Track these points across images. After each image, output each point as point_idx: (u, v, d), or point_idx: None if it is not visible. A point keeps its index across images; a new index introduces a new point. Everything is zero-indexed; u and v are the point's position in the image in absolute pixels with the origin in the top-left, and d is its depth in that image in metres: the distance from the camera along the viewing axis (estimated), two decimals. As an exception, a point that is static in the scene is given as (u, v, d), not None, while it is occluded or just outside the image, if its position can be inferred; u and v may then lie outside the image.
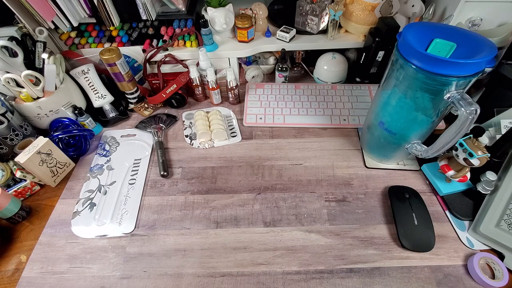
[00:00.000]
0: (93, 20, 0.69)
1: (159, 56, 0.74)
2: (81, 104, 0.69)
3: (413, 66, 0.43)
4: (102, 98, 0.69)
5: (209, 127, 0.69)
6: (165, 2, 0.71)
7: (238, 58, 0.79)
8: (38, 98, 0.61)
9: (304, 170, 0.62)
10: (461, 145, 0.48)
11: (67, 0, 0.62)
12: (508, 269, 0.47)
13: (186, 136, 0.69)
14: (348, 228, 0.53)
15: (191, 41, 0.75)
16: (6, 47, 0.59)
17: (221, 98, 0.76)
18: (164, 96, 0.70)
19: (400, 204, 0.54)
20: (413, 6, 0.68)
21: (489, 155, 0.46)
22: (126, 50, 0.74)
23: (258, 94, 0.76)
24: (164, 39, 0.74)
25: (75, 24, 0.66)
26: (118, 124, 0.73)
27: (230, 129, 0.70)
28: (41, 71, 0.61)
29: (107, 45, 0.74)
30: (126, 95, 0.73)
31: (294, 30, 0.74)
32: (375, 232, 0.53)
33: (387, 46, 0.67)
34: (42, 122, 0.64)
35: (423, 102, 0.46)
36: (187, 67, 0.73)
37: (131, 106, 0.74)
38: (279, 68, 0.76)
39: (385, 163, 0.62)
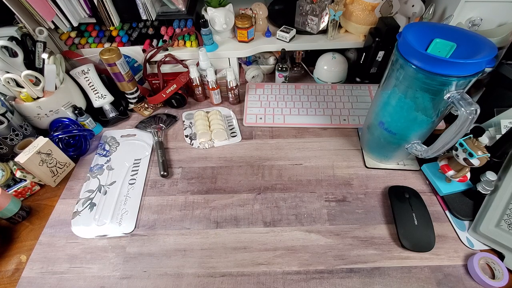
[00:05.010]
0: (93, 20, 0.69)
1: (159, 56, 0.74)
2: (81, 104, 0.69)
3: (413, 66, 0.43)
4: (102, 98, 0.69)
5: (209, 127, 0.69)
6: (165, 2, 0.71)
7: (238, 58, 0.79)
8: (38, 98, 0.61)
9: (304, 170, 0.62)
10: (461, 145, 0.48)
11: (67, 0, 0.62)
12: (508, 269, 0.47)
13: (186, 136, 0.69)
14: (348, 228, 0.53)
15: (191, 41, 0.75)
16: (6, 47, 0.59)
17: (221, 98, 0.76)
18: (164, 96, 0.70)
19: (400, 204, 0.54)
20: (413, 6, 0.68)
21: (489, 155, 0.46)
22: (126, 50, 0.74)
23: (258, 94, 0.76)
24: (164, 39, 0.74)
25: (75, 24, 0.66)
26: (118, 124, 0.73)
27: (230, 129, 0.70)
28: (41, 71, 0.61)
29: (107, 45, 0.74)
30: (126, 95, 0.73)
31: (294, 30, 0.74)
32: (375, 232, 0.53)
33: (387, 46, 0.67)
34: (42, 122, 0.64)
35: (423, 102, 0.46)
36: (187, 67, 0.73)
37: (131, 106, 0.74)
38: (279, 68, 0.76)
39: (385, 163, 0.62)
